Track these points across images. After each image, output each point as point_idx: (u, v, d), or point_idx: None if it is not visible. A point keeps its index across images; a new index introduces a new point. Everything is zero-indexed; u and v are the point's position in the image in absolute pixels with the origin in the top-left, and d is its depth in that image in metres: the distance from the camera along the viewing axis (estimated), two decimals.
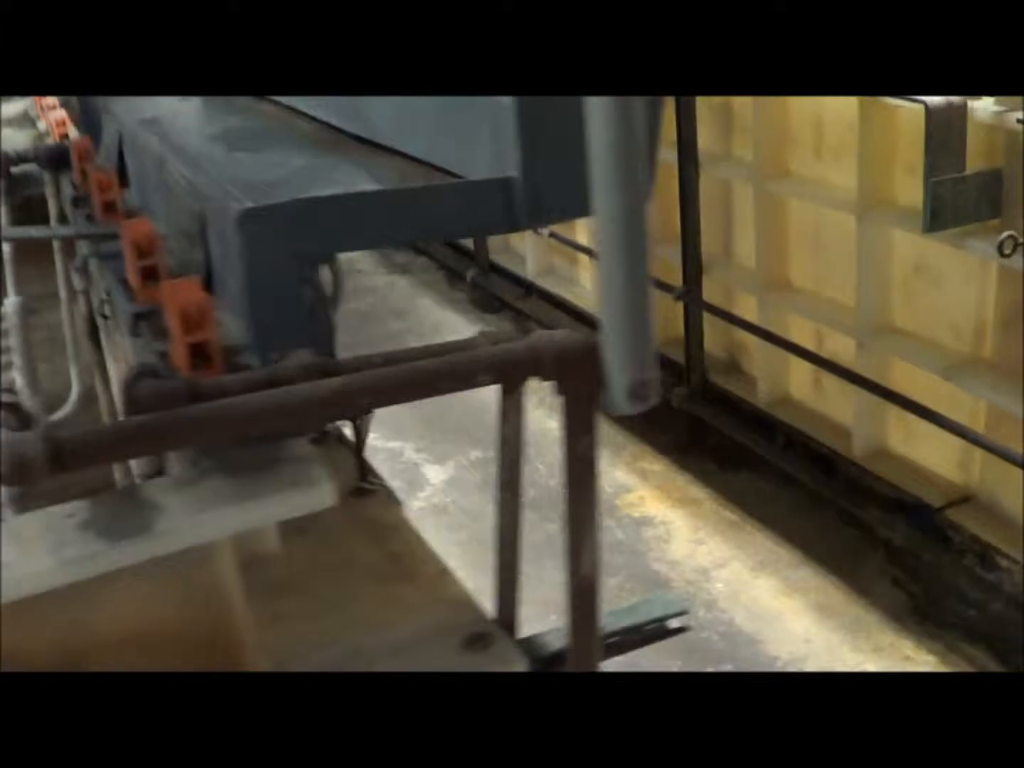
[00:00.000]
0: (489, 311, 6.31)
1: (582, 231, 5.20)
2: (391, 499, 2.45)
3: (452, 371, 1.54)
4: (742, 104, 3.99)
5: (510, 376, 1.60)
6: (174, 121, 3.11)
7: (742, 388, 4.28)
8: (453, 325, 6.30)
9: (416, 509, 4.48)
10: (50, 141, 4.10)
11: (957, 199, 3.05)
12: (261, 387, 1.59)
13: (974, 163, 3.09)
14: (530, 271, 5.76)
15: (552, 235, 5.33)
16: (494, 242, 6.14)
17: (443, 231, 1.94)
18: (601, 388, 1.61)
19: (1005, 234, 2.85)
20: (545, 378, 1.59)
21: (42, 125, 4.66)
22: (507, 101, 1.70)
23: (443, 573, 2.12)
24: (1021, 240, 2.85)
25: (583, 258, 5.35)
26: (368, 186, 2.03)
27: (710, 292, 4.30)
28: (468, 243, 6.40)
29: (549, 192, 1.76)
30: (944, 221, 3.06)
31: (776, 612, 3.61)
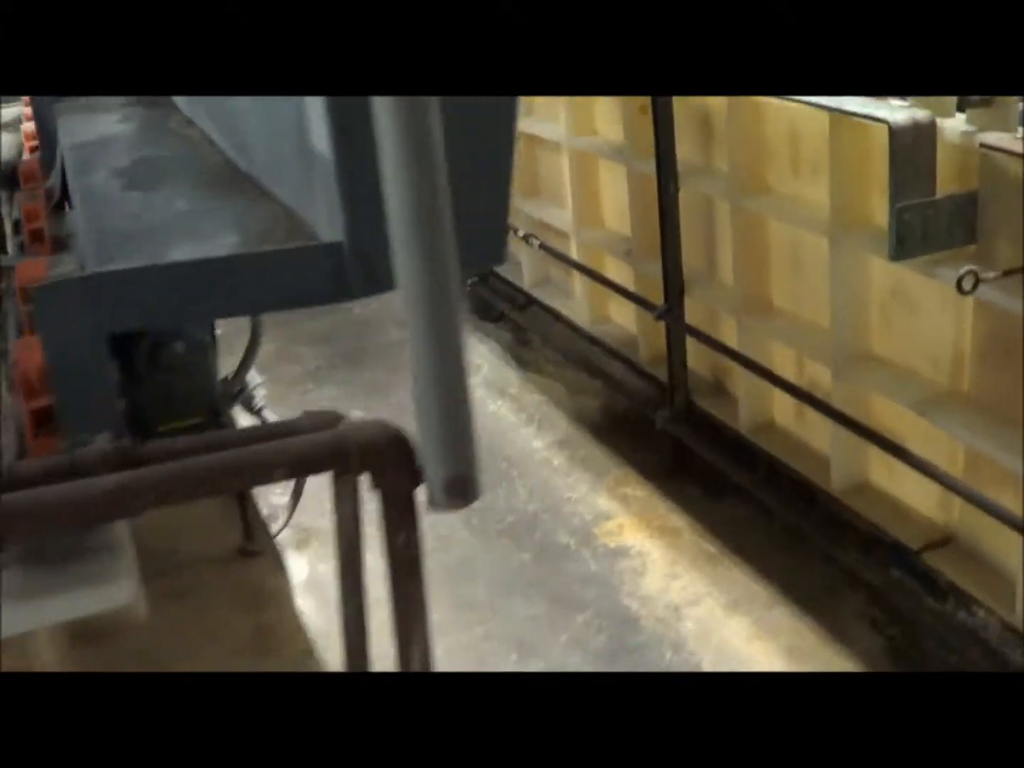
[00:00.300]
0: (489, 319, 6.15)
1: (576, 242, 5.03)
2: (277, 563, 2.33)
3: (245, 467, 1.39)
4: (721, 113, 3.78)
5: (311, 472, 1.45)
6: (98, 148, 3.01)
7: (726, 411, 4.08)
8: None
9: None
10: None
11: (926, 225, 2.84)
12: (63, 475, 1.47)
13: (947, 185, 2.88)
14: (527, 281, 5.58)
15: (542, 246, 5.15)
16: None
17: (263, 304, 1.78)
18: (417, 483, 1.48)
19: (964, 269, 2.64)
20: (354, 472, 1.44)
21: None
22: (327, 154, 1.54)
23: (308, 653, 1.99)
24: (991, 274, 2.64)
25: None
26: (225, 241, 1.90)
27: (693, 310, 4.11)
28: None
29: (383, 258, 1.60)
30: (912, 248, 2.85)
31: (746, 656, 3.42)
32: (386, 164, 1.25)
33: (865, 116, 2.88)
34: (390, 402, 5.45)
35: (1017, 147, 2.62)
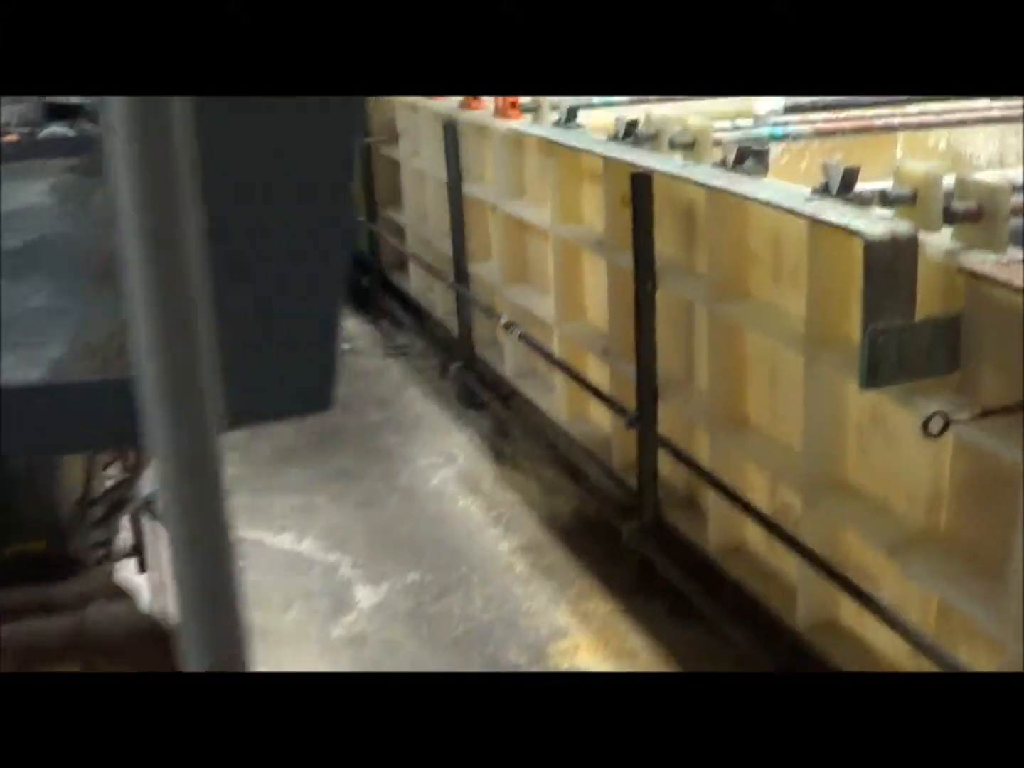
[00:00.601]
0: (471, 406, 5.90)
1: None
2: None
3: None
4: (704, 208, 3.55)
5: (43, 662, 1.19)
6: (3, 222, 2.81)
7: (696, 528, 3.79)
8: (433, 420, 5.91)
9: (334, 638, 4.06)
10: None
11: (903, 350, 2.57)
12: None
13: (929, 306, 2.61)
14: (508, 370, 5.34)
15: (522, 337, 4.91)
16: (481, 333, 5.75)
17: (51, 444, 1.51)
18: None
19: (932, 412, 2.36)
20: (94, 664, 1.17)
21: None
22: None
23: None
24: (964, 415, 2.36)
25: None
26: (45, 355, 1.65)
27: (669, 415, 3.84)
28: None
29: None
30: (886, 376, 2.58)
31: None
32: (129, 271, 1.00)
33: (840, 227, 2.63)
34: (356, 491, 5.21)
35: (1002, 274, 2.35)
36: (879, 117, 3.97)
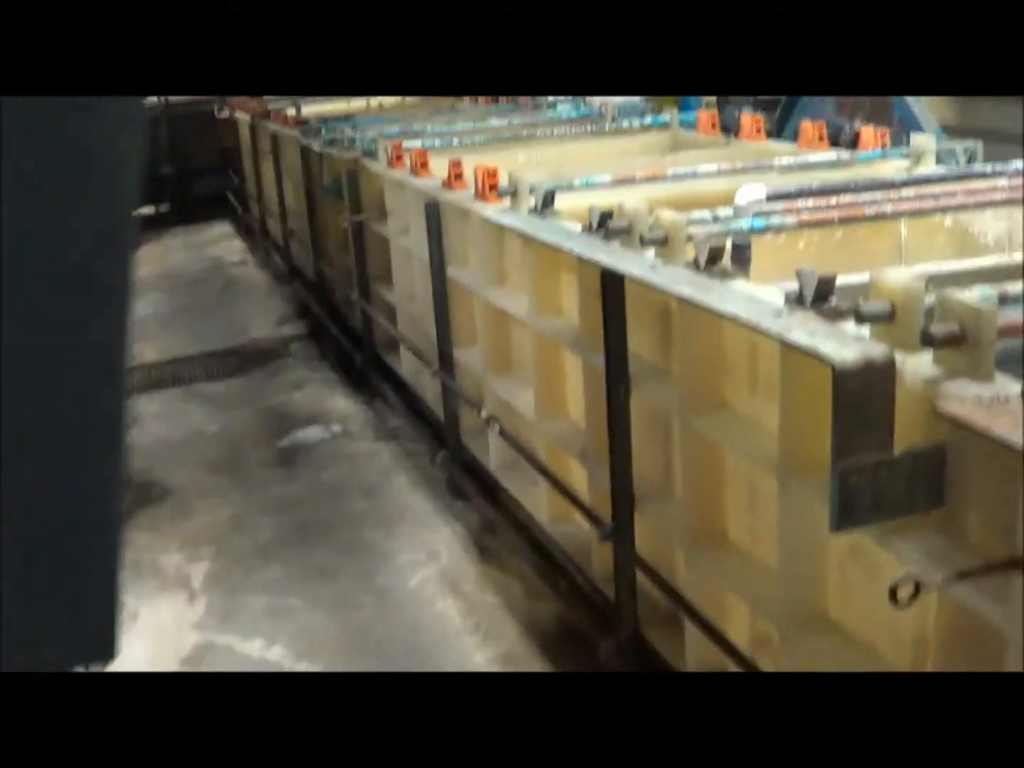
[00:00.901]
0: (460, 498, 5.65)
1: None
2: None
3: None
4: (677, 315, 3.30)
5: None
6: None
7: (675, 649, 3.51)
8: (419, 512, 5.65)
9: None
10: None
11: (879, 487, 2.29)
12: None
13: (909, 434, 2.35)
14: (493, 464, 5.08)
15: (502, 433, 4.66)
16: (469, 422, 5.50)
17: None
18: None
19: (900, 575, 2.08)
20: None
21: None
22: None
23: None
24: (938, 577, 2.08)
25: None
26: None
27: (646, 529, 3.58)
28: None
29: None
30: (859, 517, 2.29)
31: None
32: None
33: (806, 351, 2.36)
34: (331, 591, 4.96)
35: (980, 417, 2.07)
36: (872, 203, 3.71)
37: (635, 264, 3.18)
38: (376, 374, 7.03)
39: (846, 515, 2.29)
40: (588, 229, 3.66)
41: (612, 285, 3.35)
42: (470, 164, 4.91)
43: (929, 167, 4.54)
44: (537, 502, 4.59)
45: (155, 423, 7.38)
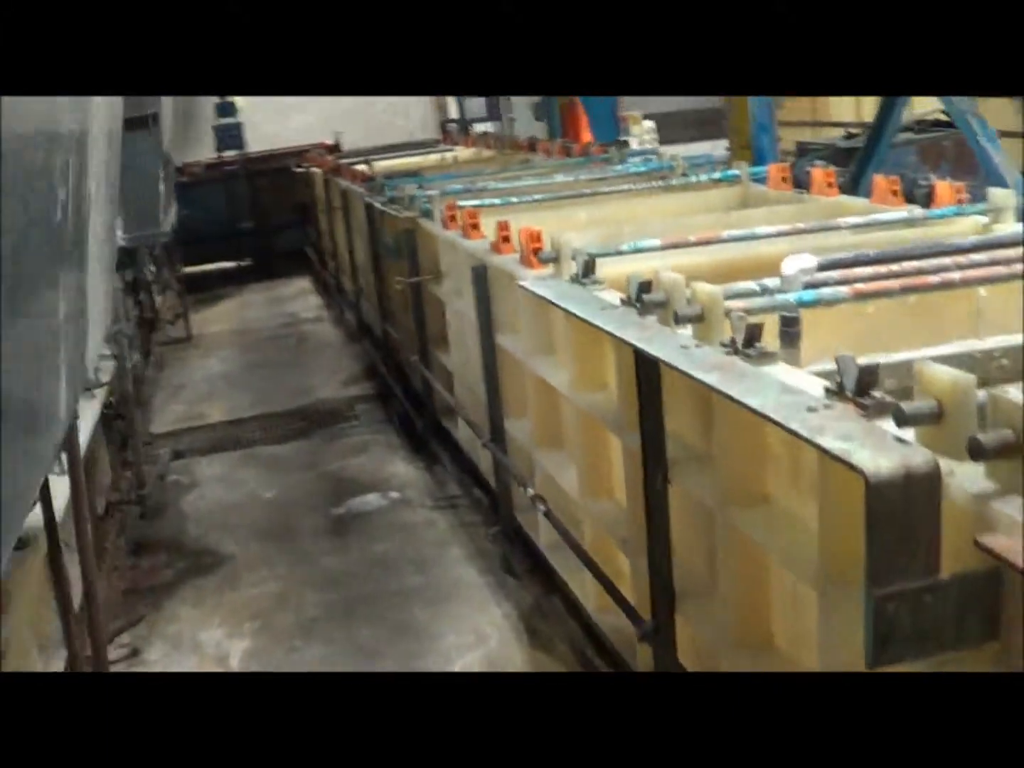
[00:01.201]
0: (512, 575, 5.37)
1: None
2: None
3: None
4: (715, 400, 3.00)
5: None
6: None
7: None
8: (471, 589, 5.38)
9: None
10: None
11: (922, 617, 1.98)
12: None
13: (957, 556, 2.03)
14: (542, 542, 4.80)
15: (547, 514, 4.38)
16: (520, 497, 5.22)
17: None
18: None
19: None
20: None
21: None
22: None
23: None
24: None
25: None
26: None
27: (688, 629, 3.27)
28: None
29: None
30: (899, 651, 1.98)
31: None
32: None
33: (837, 457, 2.06)
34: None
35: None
36: (939, 270, 3.38)
37: (665, 344, 2.90)
38: (436, 439, 6.81)
39: (884, 648, 1.97)
40: (627, 301, 3.39)
41: (646, 365, 3.08)
42: (528, 223, 4.66)
43: (1008, 225, 4.18)
44: (584, 588, 4.31)
45: (214, 486, 7.24)
